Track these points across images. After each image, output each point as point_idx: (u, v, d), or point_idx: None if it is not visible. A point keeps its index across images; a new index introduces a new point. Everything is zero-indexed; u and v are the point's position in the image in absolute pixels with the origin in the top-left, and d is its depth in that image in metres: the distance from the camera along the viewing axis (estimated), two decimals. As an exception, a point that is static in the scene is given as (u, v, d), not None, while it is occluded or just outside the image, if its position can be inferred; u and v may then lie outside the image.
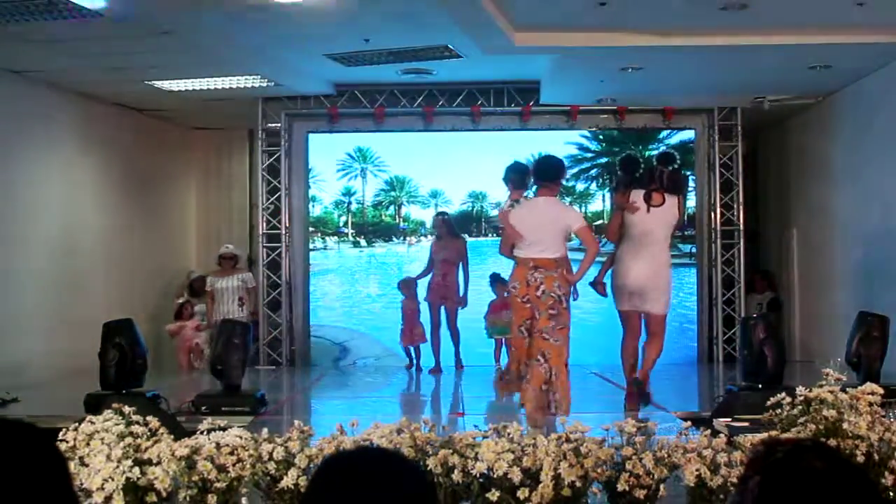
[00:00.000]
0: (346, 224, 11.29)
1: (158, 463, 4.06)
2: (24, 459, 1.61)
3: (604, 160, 11.27)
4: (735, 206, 10.92)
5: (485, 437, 4.17)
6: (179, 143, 12.37)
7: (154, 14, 7.07)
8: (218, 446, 4.11)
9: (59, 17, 6.90)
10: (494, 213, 11.01)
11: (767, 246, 12.18)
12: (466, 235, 11.01)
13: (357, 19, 7.54)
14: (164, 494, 4.05)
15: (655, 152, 11.17)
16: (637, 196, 6.95)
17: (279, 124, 10.86)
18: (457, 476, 3.97)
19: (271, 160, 10.95)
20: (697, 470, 3.92)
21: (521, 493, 3.88)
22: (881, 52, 8.23)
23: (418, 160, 11.22)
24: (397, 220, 11.19)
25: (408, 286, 10.21)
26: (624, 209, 6.96)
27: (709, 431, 4.43)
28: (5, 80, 8.69)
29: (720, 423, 6.06)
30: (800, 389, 4.49)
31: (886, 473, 4.07)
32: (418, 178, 11.37)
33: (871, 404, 4.33)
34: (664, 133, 11.19)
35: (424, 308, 10.09)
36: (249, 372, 7.91)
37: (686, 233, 11.10)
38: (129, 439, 4.14)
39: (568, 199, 10.95)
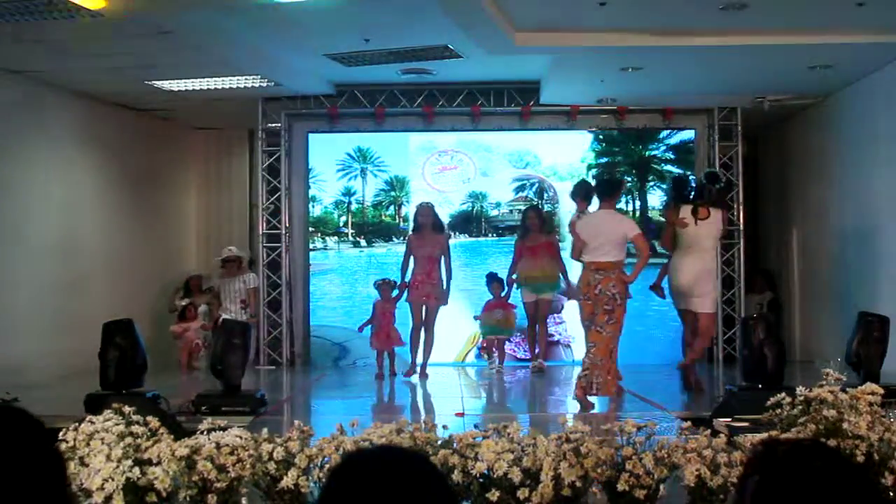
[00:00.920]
0: (346, 224, 11.29)
1: (158, 463, 4.06)
2: (16, 442, 1.61)
3: (604, 160, 11.27)
4: (735, 206, 10.91)
5: (485, 437, 4.17)
6: (179, 143, 12.37)
7: (154, 14, 7.07)
8: (218, 446, 4.10)
9: (59, 17, 6.90)
10: (494, 213, 11.10)
11: (767, 246, 12.18)
12: (465, 235, 11.03)
13: (357, 19, 7.55)
14: (164, 494, 4.04)
15: (655, 152, 11.24)
16: (685, 211, 8.00)
17: (279, 124, 10.87)
18: (457, 476, 3.97)
19: (271, 160, 10.95)
20: (697, 470, 3.92)
21: (521, 493, 3.88)
22: (881, 52, 8.23)
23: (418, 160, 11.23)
24: (397, 220, 11.19)
25: (389, 287, 9.55)
26: (674, 223, 8.07)
27: (709, 431, 4.43)
28: (5, 80, 8.69)
29: (720, 423, 6.06)
30: (800, 389, 4.49)
31: (886, 473, 4.07)
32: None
33: (871, 404, 4.33)
34: (664, 133, 11.19)
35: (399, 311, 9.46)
36: (249, 372, 7.91)
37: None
38: (129, 439, 4.14)
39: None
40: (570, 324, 10.81)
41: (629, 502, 3.96)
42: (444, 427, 4.36)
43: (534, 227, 9.70)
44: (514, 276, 9.74)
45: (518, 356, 10.72)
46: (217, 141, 12.84)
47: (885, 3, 7.02)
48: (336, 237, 11.27)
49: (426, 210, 9.57)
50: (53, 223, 9.54)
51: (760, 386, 6.41)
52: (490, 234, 11.22)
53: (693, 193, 8.24)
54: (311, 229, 11.17)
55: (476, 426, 4.49)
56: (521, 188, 11.22)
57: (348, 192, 11.22)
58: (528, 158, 11.15)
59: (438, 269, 9.36)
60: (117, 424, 4.21)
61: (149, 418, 4.35)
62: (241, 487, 4.08)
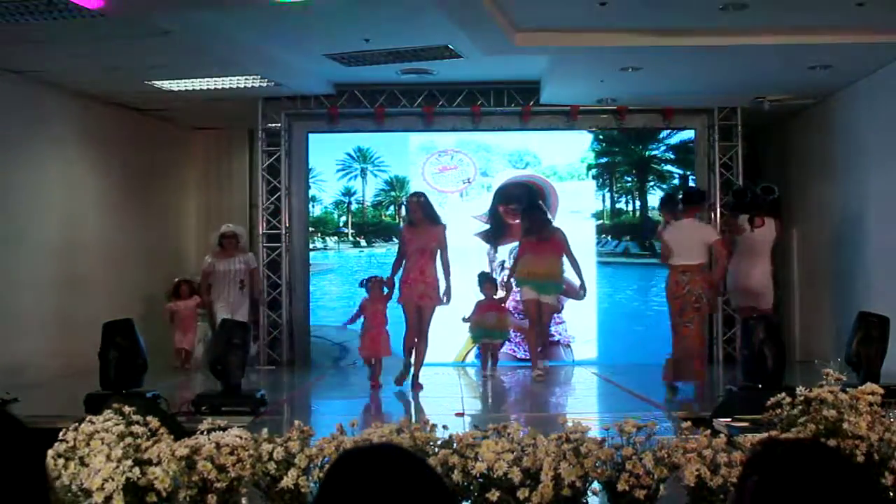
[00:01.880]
0: (346, 224, 11.29)
1: (158, 463, 4.06)
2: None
3: (604, 160, 11.28)
4: (735, 206, 10.91)
5: (485, 437, 4.17)
6: (179, 143, 12.37)
7: (154, 14, 7.07)
8: (218, 446, 4.10)
9: (59, 17, 6.90)
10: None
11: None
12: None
13: (357, 19, 7.55)
14: (164, 494, 4.04)
15: (655, 152, 11.24)
16: (743, 220, 8.80)
17: (279, 124, 10.87)
18: (457, 476, 3.97)
19: (271, 160, 10.96)
20: (697, 470, 3.91)
21: (521, 493, 3.88)
22: (881, 52, 8.23)
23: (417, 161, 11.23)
24: (397, 220, 11.18)
25: (380, 285, 8.61)
26: (733, 231, 8.86)
27: (709, 431, 4.43)
28: (5, 80, 8.69)
29: (720, 423, 6.06)
30: (800, 389, 4.49)
31: (886, 473, 4.06)
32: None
33: (871, 404, 4.33)
34: (664, 133, 11.19)
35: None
36: (249, 372, 7.91)
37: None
38: (129, 439, 4.14)
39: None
40: (570, 324, 10.82)
41: (629, 502, 3.96)
42: (445, 427, 4.36)
43: (538, 223, 9.32)
44: (512, 278, 9.37)
45: (518, 356, 10.72)
46: (217, 141, 12.85)
47: (885, 3, 7.02)
48: (336, 237, 11.27)
49: (416, 204, 8.59)
50: (53, 223, 9.54)
51: (760, 386, 6.41)
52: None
53: (750, 203, 8.95)
54: (311, 229, 11.17)
55: (476, 426, 4.49)
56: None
57: (348, 192, 11.22)
58: (528, 158, 11.15)
59: (434, 265, 8.43)
60: (117, 424, 4.20)
61: (149, 418, 4.34)
62: (241, 487, 4.08)
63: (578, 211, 11.06)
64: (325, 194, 11.19)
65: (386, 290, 8.57)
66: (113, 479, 3.96)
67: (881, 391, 4.44)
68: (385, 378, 8.53)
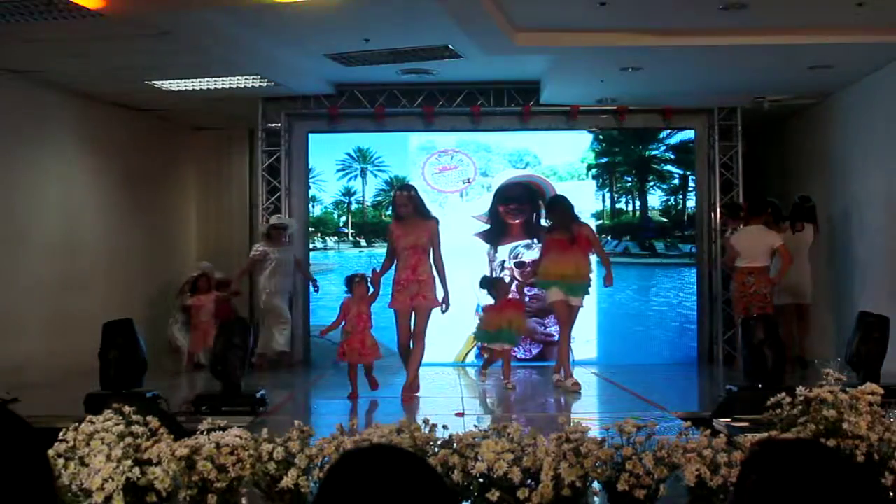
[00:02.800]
0: (346, 224, 11.28)
1: (158, 463, 4.06)
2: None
3: (604, 160, 11.28)
4: (735, 206, 10.92)
5: (485, 437, 4.17)
6: (179, 143, 12.37)
7: (154, 14, 7.07)
8: (218, 446, 4.11)
9: (60, 17, 6.90)
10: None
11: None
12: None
13: (357, 19, 7.55)
14: (164, 494, 4.05)
15: (655, 152, 11.24)
16: (785, 226, 9.76)
17: (279, 124, 10.87)
18: (457, 476, 3.97)
19: (271, 160, 10.95)
20: (697, 470, 3.92)
21: (521, 493, 3.88)
22: (881, 52, 8.23)
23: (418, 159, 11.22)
24: (397, 220, 11.16)
25: (363, 284, 7.93)
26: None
27: (709, 431, 4.43)
28: (5, 80, 8.69)
29: (720, 423, 6.07)
30: (800, 389, 4.49)
31: (886, 473, 4.07)
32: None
33: (871, 404, 4.34)
34: (664, 133, 11.19)
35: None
36: (249, 372, 7.90)
37: (686, 233, 11.12)
38: (129, 439, 4.14)
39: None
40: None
41: (629, 502, 3.96)
42: (445, 427, 4.36)
43: (564, 218, 8.57)
44: (533, 279, 8.90)
45: (518, 356, 10.70)
46: (217, 141, 12.85)
47: (884, 2, 7.02)
48: (336, 237, 11.26)
49: (403, 198, 7.93)
50: (53, 223, 9.54)
51: (760, 386, 6.41)
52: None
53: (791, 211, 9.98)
54: (311, 229, 11.16)
55: (476, 426, 4.49)
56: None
57: (348, 192, 11.21)
58: (528, 158, 11.14)
59: (427, 262, 7.80)
60: (117, 424, 4.21)
61: (149, 418, 4.35)
62: (241, 487, 4.08)
63: (578, 211, 11.03)
64: (325, 194, 11.19)
65: (372, 290, 7.93)
66: (113, 479, 3.97)
67: (881, 391, 4.45)
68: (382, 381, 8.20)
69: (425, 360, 8.70)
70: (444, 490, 1.66)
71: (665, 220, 11.18)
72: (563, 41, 8.07)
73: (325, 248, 11.25)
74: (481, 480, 3.97)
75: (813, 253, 9.95)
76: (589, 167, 11.15)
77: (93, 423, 4.23)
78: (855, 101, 9.62)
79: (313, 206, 11.18)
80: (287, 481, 4.02)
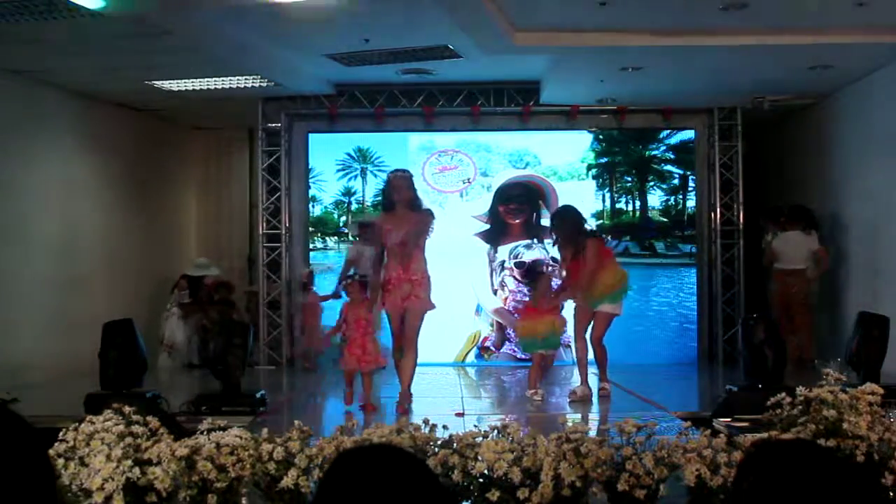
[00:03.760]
0: (346, 224, 11.28)
1: (158, 463, 4.06)
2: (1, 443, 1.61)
3: (604, 160, 11.28)
4: (735, 206, 10.92)
5: (485, 437, 4.17)
6: (179, 143, 12.37)
7: (154, 14, 7.07)
8: (218, 446, 4.11)
9: (59, 17, 6.90)
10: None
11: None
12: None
13: (357, 19, 7.54)
14: (164, 494, 4.05)
15: (655, 152, 11.24)
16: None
17: (279, 124, 10.86)
18: (457, 476, 3.97)
19: (271, 160, 10.95)
20: (697, 470, 3.92)
21: (521, 493, 3.88)
22: (881, 52, 8.23)
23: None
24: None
25: (360, 287, 7.36)
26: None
27: (709, 431, 4.43)
28: (5, 80, 8.69)
29: (720, 423, 6.07)
30: (800, 389, 4.49)
31: (886, 473, 4.07)
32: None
33: (871, 404, 4.34)
34: (664, 133, 11.19)
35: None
36: (249, 372, 7.91)
37: (686, 233, 11.12)
38: (129, 439, 4.14)
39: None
40: (569, 324, 10.79)
41: (629, 502, 3.96)
42: (445, 427, 4.36)
43: (573, 236, 7.82)
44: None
45: (518, 356, 10.71)
46: (217, 141, 12.85)
47: (884, 2, 7.02)
48: (336, 237, 11.26)
49: (401, 181, 7.18)
50: (53, 223, 9.54)
51: (760, 386, 6.41)
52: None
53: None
54: (311, 229, 11.16)
55: (476, 426, 4.49)
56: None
57: (348, 192, 11.21)
58: (528, 158, 11.14)
59: (420, 259, 7.10)
60: (117, 424, 4.21)
61: (149, 418, 4.35)
62: (241, 487, 4.08)
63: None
64: (325, 194, 11.18)
65: (369, 293, 7.30)
66: (113, 479, 3.97)
67: (881, 391, 4.45)
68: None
69: (424, 360, 8.66)
70: (440, 490, 1.66)
71: (665, 220, 11.18)
72: (563, 41, 8.07)
73: (325, 248, 11.25)
74: (481, 480, 3.97)
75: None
76: (589, 167, 11.15)
77: (93, 423, 4.23)
78: (855, 101, 9.62)
79: (313, 206, 11.18)
80: (287, 481, 4.02)
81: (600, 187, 11.18)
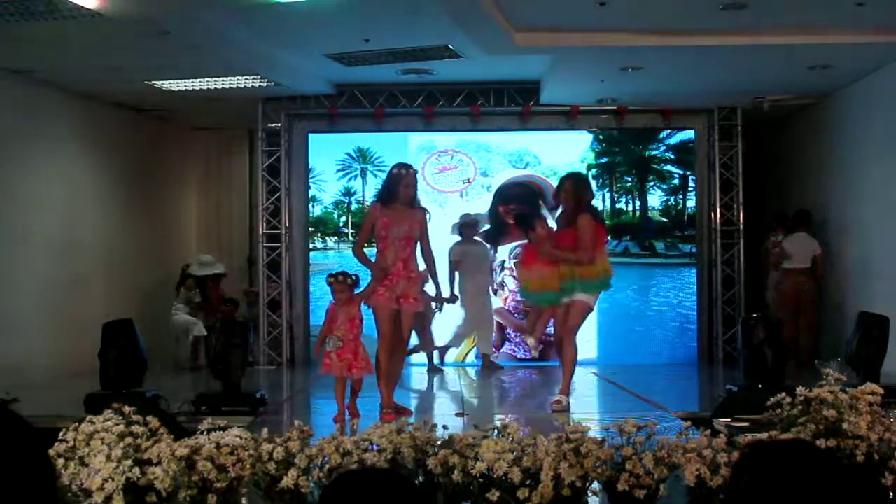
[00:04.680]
0: (346, 224, 11.28)
1: (158, 463, 4.06)
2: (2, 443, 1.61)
3: (604, 160, 11.28)
4: (735, 206, 10.92)
5: (485, 437, 4.17)
6: (179, 143, 12.37)
7: (154, 14, 7.07)
8: (218, 446, 4.10)
9: (59, 17, 6.90)
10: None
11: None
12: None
13: (357, 19, 7.55)
14: (164, 494, 4.04)
15: (655, 152, 11.24)
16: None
17: (279, 124, 10.86)
18: (457, 476, 3.97)
19: (271, 160, 10.95)
20: (697, 470, 3.92)
21: (521, 493, 3.88)
22: (881, 52, 8.23)
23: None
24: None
25: (347, 284, 6.52)
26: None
27: (709, 431, 4.43)
28: (5, 80, 8.70)
29: (720, 423, 6.07)
30: (800, 389, 4.49)
31: (886, 473, 4.07)
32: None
33: (871, 404, 4.33)
34: (664, 133, 11.19)
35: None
36: (249, 372, 7.91)
37: (686, 233, 11.12)
38: (129, 439, 4.14)
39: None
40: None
41: (629, 502, 3.96)
42: (445, 427, 4.36)
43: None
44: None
45: (518, 356, 10.71)
46: (217, 141, 12.86)
47: (885, 3, 7.02)
48: (336, 237, 11.26)
49: (413, 179, 6.79)
50: (53, 223, 9.54)
51: (760, 386, 6.41)
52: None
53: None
54: (311, 229, 11.16)
55: (476, 426, 4.49)
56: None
57: (348, 192, 11.21)
58: (528, 158, 11.14)
59: (415, 257, 6.83)
60: (117, 424, 4.21)
61: (149, 418, 4.35)
62: (241, 487, 4.08)
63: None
64: (325, 194, 11.18)
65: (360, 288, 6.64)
66: (113, 479, 3.97)
67: (881, 391, 4.45)
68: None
69: (424, 360, 8.68)
70: None
71: (665, 220, 11.18)
72: (563, 41, 8.07)
73: (325, 248, 11.25)
74: (481, 480, 3.97)
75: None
76: (589, 167, 11.14)
77: (93, 423, 4.23)
78: (855, 101, 9.62)
79: (313, 206, 11.18)
80: (287, 481, 4.01)
81: (600, 187, 11.17)
